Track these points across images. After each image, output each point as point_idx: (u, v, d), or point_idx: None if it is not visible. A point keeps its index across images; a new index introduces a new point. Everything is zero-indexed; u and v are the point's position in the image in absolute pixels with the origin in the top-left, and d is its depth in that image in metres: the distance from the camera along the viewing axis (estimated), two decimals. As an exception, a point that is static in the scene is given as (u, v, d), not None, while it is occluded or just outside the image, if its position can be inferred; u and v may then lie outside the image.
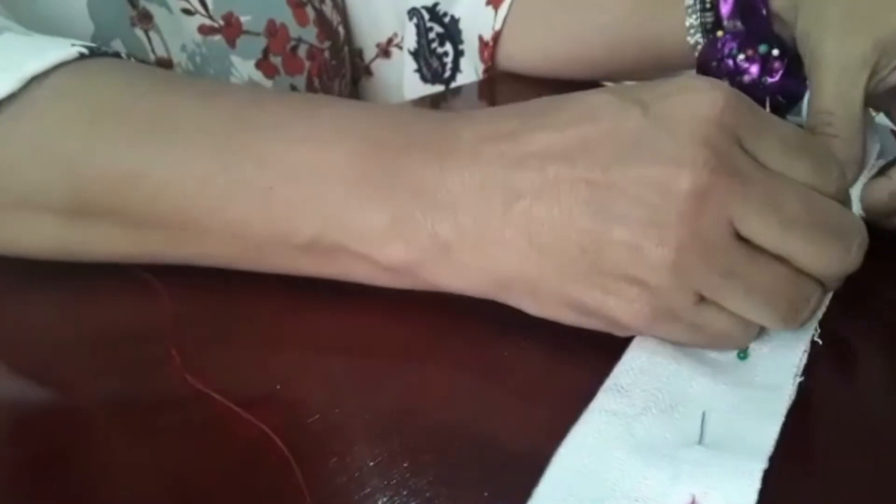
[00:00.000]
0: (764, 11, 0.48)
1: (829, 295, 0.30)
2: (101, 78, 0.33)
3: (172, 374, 0.29)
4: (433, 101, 0.61)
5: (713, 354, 0.30)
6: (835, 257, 0.27)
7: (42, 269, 0.34)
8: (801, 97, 0.48)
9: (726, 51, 0.48)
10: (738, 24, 0.49)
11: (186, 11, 0.51)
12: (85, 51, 0.33)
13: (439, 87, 0.66)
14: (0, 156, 0.31)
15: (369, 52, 0.68)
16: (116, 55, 0.35)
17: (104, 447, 0.26)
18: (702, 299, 0.27)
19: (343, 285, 0.32)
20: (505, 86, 0.64)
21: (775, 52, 0.46)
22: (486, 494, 0.24)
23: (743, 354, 0.29)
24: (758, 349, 0.29)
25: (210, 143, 0.30)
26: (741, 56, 0.47)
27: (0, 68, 0.31)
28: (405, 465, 0.25)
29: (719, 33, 0.50)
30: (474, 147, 0.29)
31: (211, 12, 0.52)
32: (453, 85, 0.66)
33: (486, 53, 0.63)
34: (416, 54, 0.65)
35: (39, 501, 0.25)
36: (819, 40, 0.40)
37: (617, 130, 0.27)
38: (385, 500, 0.24)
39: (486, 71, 0.64)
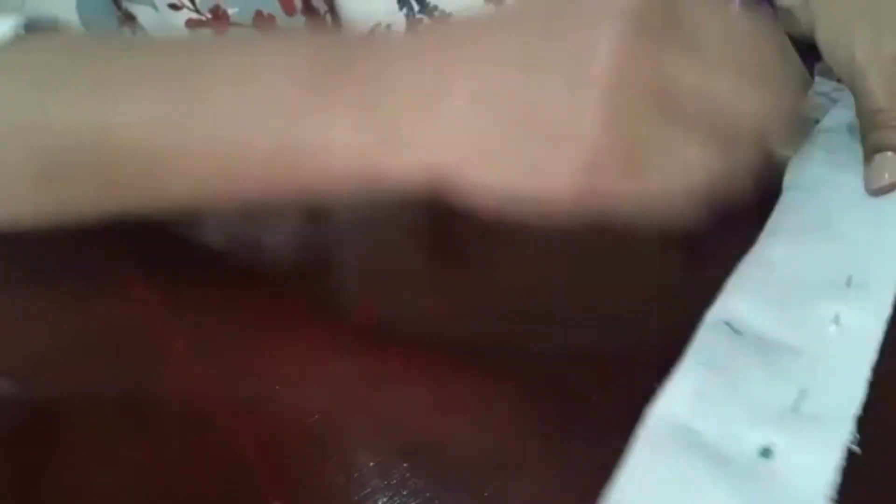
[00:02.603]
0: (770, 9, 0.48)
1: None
2: (42, 49, 0.34)
3: (171, 376, 0.29)
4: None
5: (734, 452, 0.26)
6: None
7: (32, 272, 0.33)
8: (810, 86, 0.49)
9: None
10: None
11: (173, 6, 0.50)
12: (22, 31, 0.34)
13: None
14: None
15: None
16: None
17: (101, 449, 0.26)
18: None
19: (343, 288, 0.32)
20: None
21: None
22: (486, 494, 0.24)
23: (767, 452, 0.26)
24: (783, 449, 0.26)
25: (157, 91, 0.32)
26: None
27: None
28: (405, 465, 0.25)
29: None
30: (412, 45, 0.31)
31: (198, 6, 0.51)
32: None
33: None
34: None
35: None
36: (850, 51, 0.41)
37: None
38: (385, 500, 0.24)
39: None
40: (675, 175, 0.29)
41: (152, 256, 0.36)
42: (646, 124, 0.27)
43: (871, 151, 0.39)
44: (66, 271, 0.33)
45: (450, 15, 0.63)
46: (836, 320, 0.30)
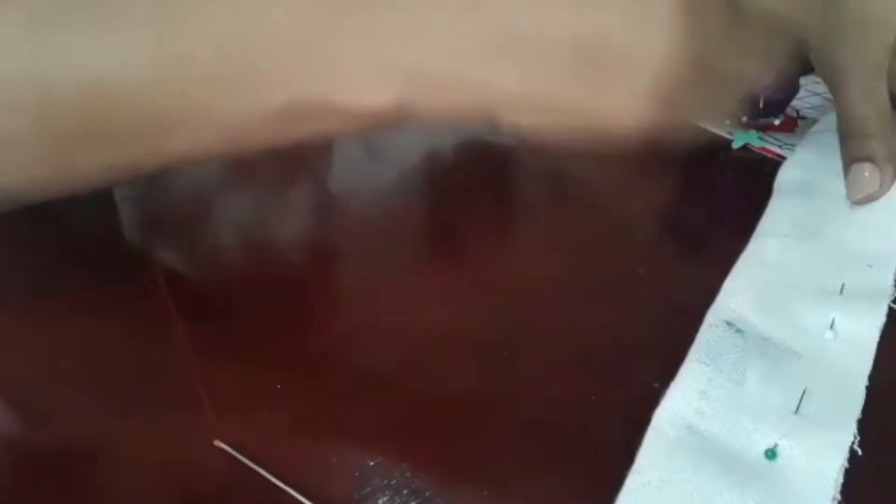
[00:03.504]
0: None
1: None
2: None
3: (171, 375, 0.29)
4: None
5: (739, 453, 0.26)
6: None
7: (46, 265, 0.33)
8: (794, 93, 0.50)
9: None
10: None
11: None
12: None
13: None
14: None
15: None
16: None
17: (103, 447, 0.26)
18: None
19: (345, 286, 0.32)
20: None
21: None
22: (485, 494, 0.24)
23: (771, 453, 0.26)
24: (788, 450, 0.26)
25: (157, 27, 0.28)
26: None
27: None
28: (405, 464, 0.25)
29: None
30: None
31: None
32: None
33: None
34: None
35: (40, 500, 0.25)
36: (834, 57, 0.42)
37: None
38: (385, 499, 0.24)
39: None
40: (737, 84, 0.31)
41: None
42: (717, 35, 0.28)
43: (848, 161, 0.40)
44: (77, 275, 0.34)
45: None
46: (832, 327, 0.31)
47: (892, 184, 0.39)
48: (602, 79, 0.28)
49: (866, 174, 0.39)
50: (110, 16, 0.28)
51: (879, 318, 0.31)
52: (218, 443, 0.26)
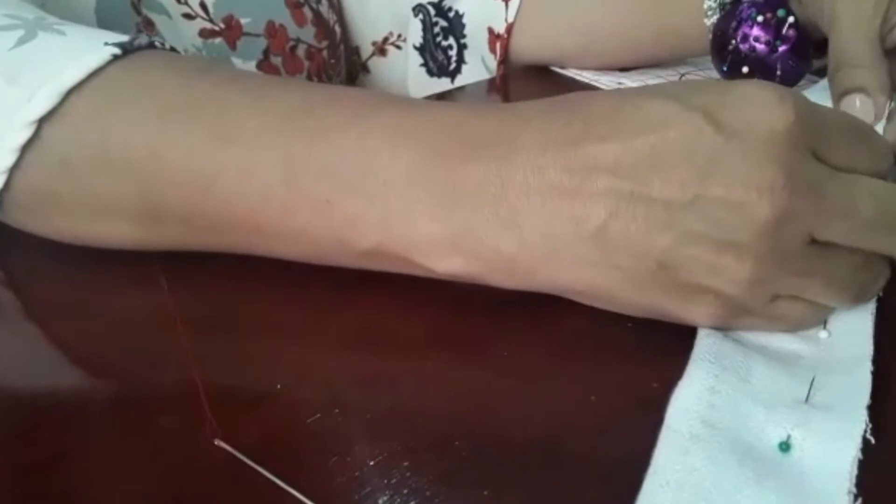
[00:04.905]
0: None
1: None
2: (155, 78, 0.32)
3: (172, 374, 0.29)
4: (440, 99, 0.61)
5: (753, 446, 0.26)
6: None
7: (45, 265, 0.34)
8: (807, 70, 0.50)
9: (744, 15, 0.50)
10: None
11: (187, 16, 0.51)
12: (117, 51, 0.32)
13: (445, 80, 0.66)
14: (71, 165, 0.31)
15: (366, 50, 0.68)
16: (151, 45, 0.35)
17: (103, 447, 0.27)
18: (778, 296, 0.28)
19: (344, 285, 0.33)
20: (515, 84, 0.64)
21: (791, 19, 0.48)
22: (485, 494, 0.24)
23: (785, 446, 0.26)
24: (801, 442, 0.26)
25: (270, 152, 0.30)
26: (759, 18, 0.48)
27: (39, 82, 0.30)
28: (405, 464, 0.25)
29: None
30: (535, 157, 0.28)
31: (211, 16, 0.52)
32: (459, 77, 0.66)
33: (499, 45, 0.63)
34: (421, 49, 0.66)
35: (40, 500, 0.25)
36: (832, 1, 0.42)
37: (688, 146, 0.27)
38: (385, 499, 0.24)
39: (500, 63, 0.64)
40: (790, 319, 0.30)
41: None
42: (785, 278, 0.28)
43: (838, 95, 0.39)
44: (78, 268, 0.34)
45: (462, 15, 0.63)
46: (825, 327, 0.31)
47: (884, 114, 0.38)
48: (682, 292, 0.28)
49: (857, 104, 0.38)
50: (230, 124, 0.31)
51: (870, 306, 0.31)
52: (218, 442, 0.26)
